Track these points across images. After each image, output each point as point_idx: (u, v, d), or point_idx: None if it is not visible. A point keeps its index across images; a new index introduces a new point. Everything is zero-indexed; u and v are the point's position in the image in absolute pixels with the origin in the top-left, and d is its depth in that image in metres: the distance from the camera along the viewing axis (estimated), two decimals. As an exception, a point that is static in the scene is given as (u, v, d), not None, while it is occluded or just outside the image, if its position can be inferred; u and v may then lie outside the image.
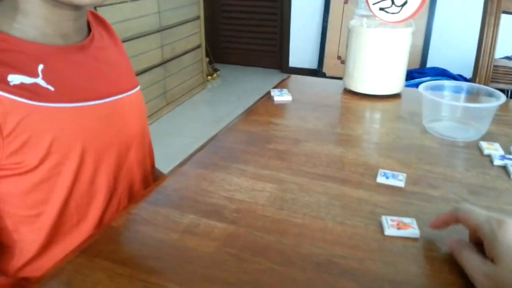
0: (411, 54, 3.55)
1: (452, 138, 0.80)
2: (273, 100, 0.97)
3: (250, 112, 0.91)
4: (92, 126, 0.62)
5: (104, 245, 0.50)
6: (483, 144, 0.76)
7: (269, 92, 1.01)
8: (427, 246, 0.51)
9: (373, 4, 0.95)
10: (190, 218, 0.54)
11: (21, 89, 0.54)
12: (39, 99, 0.56)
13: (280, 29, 4.05)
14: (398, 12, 0.95)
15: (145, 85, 2.74)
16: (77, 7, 0.60)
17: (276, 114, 0.90)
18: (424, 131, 0.83)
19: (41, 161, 0.57)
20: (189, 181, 0.64)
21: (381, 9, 0.95)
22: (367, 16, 0.98)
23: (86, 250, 0.49)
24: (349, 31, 1.01)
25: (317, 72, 3.86)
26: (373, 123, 0.91)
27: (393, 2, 0.94)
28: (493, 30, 1.27)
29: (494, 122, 0.86)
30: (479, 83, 1.30)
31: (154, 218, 0.54)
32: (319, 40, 3.84)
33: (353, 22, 1.00)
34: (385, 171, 0.65)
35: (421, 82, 3.42)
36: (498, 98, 0.78)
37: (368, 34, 0.97)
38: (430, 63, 3.65)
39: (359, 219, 0.55)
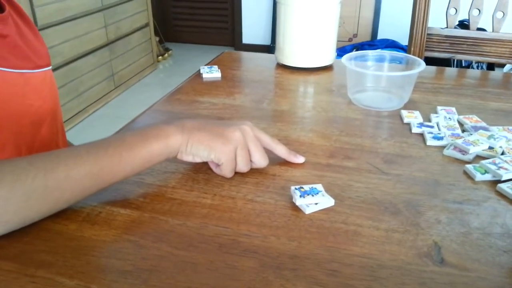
0: (361, 27, 3.58)
1: (376, 109, 0.80)
2: (201, 77, 0.95)
3: (175, 91, 0.88)
4: (7, 93, 0.61)
5: (-6, 241, 0.47)
6: (404, 113, 0.77)
7: (199, 70, 0.98)
8: (333, 218, 0.50)
9: (297, -26, 0.93)
10: (92, 207, 0.52)
11: None
12: None
13: (231, 5, 3.97)
14: (323, -18, 0.93)
15: (90, 68, 2.64)
16: None
17: (203, 92, 0.87)
18: (350, 103, 0.83)
19: None
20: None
21: (306, -21, 0.93)
22: (294, -12, 0.96)
23: (-27, 248, 0.46)
24: (276, 2, 0.99)
25: (270, 47, 3.84)
26: (300, 97, 0.90)
27: (317, -28, 0.93)
28: (425, -1, 1.27)
29: (417, 90, 0.88)
30: (413, 51, 1.31)
31: (53, 208, 0.51)
32: (271, 14, 3.80)
33: (280, -6, 0.98)
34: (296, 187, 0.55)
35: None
36: (418, 65, 0.79)
37: (294, 4, 0.95)
38: (380, 35, 3.68)
39: (269, 195, 0.54)
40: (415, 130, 0.71)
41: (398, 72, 0.82)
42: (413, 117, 0.75)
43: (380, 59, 0.88)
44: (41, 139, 0.67)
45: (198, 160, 0.55)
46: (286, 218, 0.50)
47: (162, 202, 0.53)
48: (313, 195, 0.52)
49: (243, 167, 0.57)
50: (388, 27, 3.62)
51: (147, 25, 3.29)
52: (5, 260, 0.44)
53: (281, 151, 0.61)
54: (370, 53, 0.87)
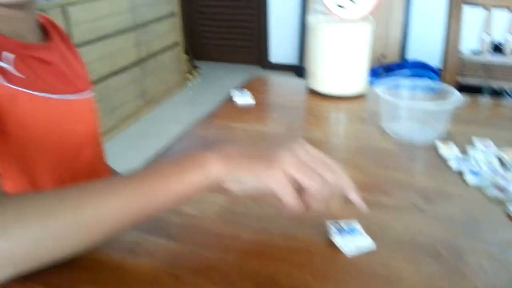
0: (389, 47, 3.53)
1: (410, 139, 0.79)
2: (234, 102, 0.96)
3: (210, 116, 0.90)
4: (49, 118, 0.63)
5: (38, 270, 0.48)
6: (439, 145, 0.76)
7: (231, 94, 1.00)
8: (373, 260, 0.50)
9: (330, 0, 0.94)
10: (134, 236, 0.53)
11: None
12: (9, 81, 0.57)
13: (258, 24, 4.02)
14: (355, 8, 0.94)
15: (122, 85, 2.70)
16: (18, 6, 0.60)
17: (235, 118, 0.89)
18: (383, 132, 0.82)
19: None
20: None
21: (338, 5, 0.94)
22: (325, 13, 0.97)
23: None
24: (307, 28, 1.00)
25: (298, 67, 3.85)
26: (333, 125, 0.90)
27: None
28: (457, 23, 1.26)
29: (451, 120, 0.86)
30: (446, 78, 1.30)
31: (95, 237, 0.53)
32: (299, 34, 3.83)
33: (311, 19, 0.99)
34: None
35: (400, 76, 3.42)
36: (453, 96, 0.78)
37: (325, 31, 0.96)
38: (409, 55, 3.65)
39: (307, 231, 0.54)
40: (452, 164, 0.70)
41: (432, 104, 0.81)
42: (449, 150, 0.74)
43: (415, 88, 0.87)
44: (83, 163, 0.70)
45: (249, 189, 0.47)
46: (325, 258, 0.50)
47: (201, 234, 0.54)
48: (351, 234, 0.52)
49: (314, 187, 0.46)
50: (418, 47, 3.58)
51: (177, 43, 3.36)
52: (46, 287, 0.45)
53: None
54: (405, 82, 0.86)
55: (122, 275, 0.47)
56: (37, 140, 0.61)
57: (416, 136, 0.80)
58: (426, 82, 0.86)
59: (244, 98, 0.97)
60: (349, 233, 0.52)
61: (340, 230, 0.52)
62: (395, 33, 3.60)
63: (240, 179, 0.47)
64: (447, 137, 0.80)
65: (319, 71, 1.00)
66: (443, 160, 0.72)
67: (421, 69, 3.25)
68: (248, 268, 0.48)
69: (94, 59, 2.43)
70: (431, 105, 0.81)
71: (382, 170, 0.69)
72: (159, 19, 3.07)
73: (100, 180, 0.47)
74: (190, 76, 3.71)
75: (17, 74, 0.58)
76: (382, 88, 0.82)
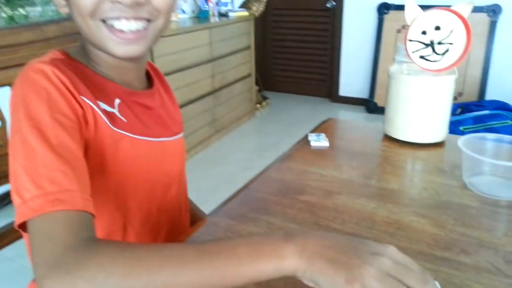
0: (467, 85, 3.43)
1: (493, 196, 0.77)
2: (310, 145, 0.98)
3: (286, 158, 0.93)
4: (146, 159, 0.69)
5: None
6: (527, 205, 0.72)
7: (306, 136, 1.02)
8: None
9: (413, 52, 0.94)
10: None
11: (104, 113, 0.62)
12: (116, 125, 0.63)
13: (330, 58, 4.05)
14: (439, 60, 0.93)
15: (194, 114, 2.84)
16: (130, 59, 0.66)
17: (311, 162, 0.91)
18: (465, 187, 0.80)
19: (97, 174, 0.62)
20: (217, 233, 0.66)
21: (421, 57, 0.94)
22: (408, 62, 0.97)
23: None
24: (389, 77, 1.00)
25: (368, 102, 3.82)
26: (411, 175, 0.89)
27: (433, 50, 0.93)
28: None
29: (542, 179, 0.82)
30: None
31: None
32: (370, 69, 3.80)
33: (393, 68, 1.00)
34: None
35: (479, 116, 3.27)
36: (544, 155, 0.74)
37: (408, 82, 0.96)
38: (489, 96, 3.48)
39: (383, 287, 0.54)
40: (540, 227, 0.67)
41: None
42: (537, 212, 0.71)
43: (500, 141, 0.85)
44: (169, 199, 0.75)
45: None
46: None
47: (276, 279, 0.55)
48: None
49: None
50: (498, 87, 3.41)
51: (249, 75, 3.48)
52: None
53: None
54: (488, 135, 0.84)
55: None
56: (133, 179, 0.66)
57: (500, 192, 0.77)
58: (510, 137, 0.83)
59: (319, 142, 0.99)
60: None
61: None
62: (475, 71, 3.46)
63: (315, 279, 0.43)
64: (535, 197, 0.76)
65: (398, 118, 1.00)
66: (530, 222, 0.69)
67: (500, 109, 3.08)
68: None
69: (173, 89, 2.58)
70: (517, 162, 0.78)
71: (463, 228, 0.67)
72: (234, 52, 3.21)
73: (178, 245, 0.47)
74: (259, 106, 3.80)
75: (122, 118, 0.64)
76: (463, 141, 0.81)
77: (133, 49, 0.61)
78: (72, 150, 0.53)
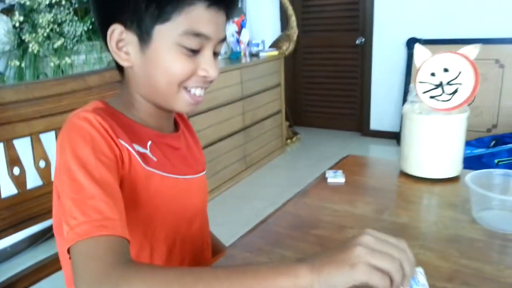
0: (502, 117, 3.40)
1: (502, 230, 0.79)
2: (326, 181, 1.04)
3: (303, 194, 0.99)
4: (173, 194, 0.77)
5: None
6: (534, 239, 0.75)
7: (324, 173, 1.08)
8: None
9: (423, 92, 1.00)
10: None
11: (138, 153, 0.71)
12: (147, 164, 0.73)
13: (360, 93, 4.11)
14: (449, 99, 0.98)
15: (226, 150, 2.94)
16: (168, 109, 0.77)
17: (327, 197, 0.96)
18: (474, 221, 0.83)
19: (130, 206, 0.69)
20: (234, 264, 0.72)
21: (431, 97, 0.99)
22: (419, 102, 1.03)
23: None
24: (402, 115, 1.05)
25: (398, 135, 3.81)
26: (422, 210, 0.92)
27: (443, 91, 0.98)
28: None
29: (553, 213, 0.84)
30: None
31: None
32: (400, 102, 3.82)
33: (406, 108, 1.05)
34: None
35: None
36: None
37: (420, 120, 1.01)
38: (525, 127, 3.42)
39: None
40: (544, 261, 0.69)
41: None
42: (543, 246, 0.73)
43: (508, 175, 0.87)
44: (193, 231, 0.82)
45: None
46: None
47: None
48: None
49: (391, 267, 0.51)
50: (534, 118, 3.34)
51: (279, 111, 3.58)
52: None
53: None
54: (496, 171, 0.87)
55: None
56: (161, 212, 0.75)
57: (509, 226, 0.79)
58: (520, 172, 0.86)
59: (336, 179, 1.04)
60: None
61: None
62: (509, 102, 3.42)
63: (332, 283, 0.51)
64: (544, 231, 0.78)
65: (412, 155, 1.04)
66: (536, 256, 0.71)
67: (536, 142, 3.01)
68: None
69: (205, 127, 2.71)
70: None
71: (468, 261, 0.70)
72: (265, 90, 3.32)
73: (207, 268, 0.57)
74: (289, 142, 3.87)
75: (152, 157, 0.74)
76: (471, 177, 0.84)
77: (197, 108, 0.74)
78: (112, 185, 0.62)
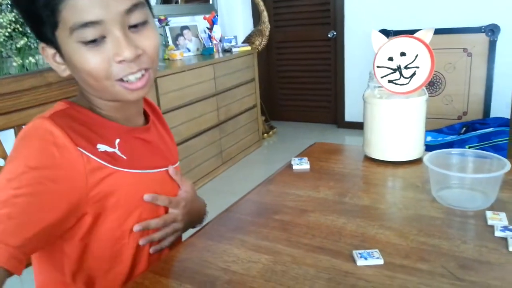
0: (472, 104, 3.49)
1: (460, 208, 0.81)
2: (291, 168, 1.04)
3: (268, 182, 0.99)
4: (148, 190, 0.76)
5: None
6: (488, 214, 0.76)
7: (290, 161, 1.08)
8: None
9: (381, 77, 1.01)
10: (186, 289, 0.62)
11: (105, 155, 0.70)
12: (117, 164, 0.71)
13: (334, 85, 4.14)
14: (407, 83, 0.99)
15: (201, 146, 2.92)
16: (138, 101, 0.76)
17: (291, 184, 0.96)
18: (434, 201, 0.84)
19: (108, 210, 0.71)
20: (194, 252, 0.71)
21: (390, 81, 1.01)
22: (379, 87, 1.04)
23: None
24: (363, 101, 1.07)
25: (372, 126, 3.86)
26: (384, 192, 0.93)
27: (401, 75, 1.00)
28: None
29: (509, 187, 0.86)
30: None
31: (155, 287, 0.62)
32: (373, 94, 3.87)
33: (366, 93, 1.06)
34: (360, 251, 0.67)
35: (483, 134, 3.28)
36: (503, 164, 0.79)
37: (380, 105, 1.02)
38: (494, 112, 3.50)
39: (339, 293, 0.59)
40: (498, 233, 0.71)
41: (481, 174, 0.82)
42: (497, 219, 0.74)
43: (465, 155, 0.89)
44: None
45: None
46: (352, 317, 0.54)
47: (243, 290, 0.61)
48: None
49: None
50: (501, 105, 3.42)
51: (254, 106, 3.58)
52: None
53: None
54: (454, 150, 0.89)
55: (173, 322, 0.55)
56: (138, 209, 0.74)
57: (467, 205, 0.81)
58: (476, 152, 0.87)
59: (301, 165, 1.05)
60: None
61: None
62: (478, 90, 3.49)
63: None
64: (500, 206, 0.80)
65: (374, 139, 1.05)
66: (490, 229, 0.73)
67: (505, 126, 3.08)
68: (280, 324, 0.54)
69: (179, 123, 2.69)
70: (478, 176, 0.82)
71: (426, 238, 0.71)
72: (239, 85, 3.32)
73: None
74: (266, 136, 3.88)
75: (122, 156, 0.72)
76: (430, 158, 0.86)
77: (141, 93, 0.71)
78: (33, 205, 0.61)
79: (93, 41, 0.64)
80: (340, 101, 4.13)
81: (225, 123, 3.18)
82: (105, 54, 0.65)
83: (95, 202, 0.68)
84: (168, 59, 3.11)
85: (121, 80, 0.68)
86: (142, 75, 0.69)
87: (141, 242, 0.75)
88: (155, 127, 0.85)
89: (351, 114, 4.10)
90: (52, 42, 0.66)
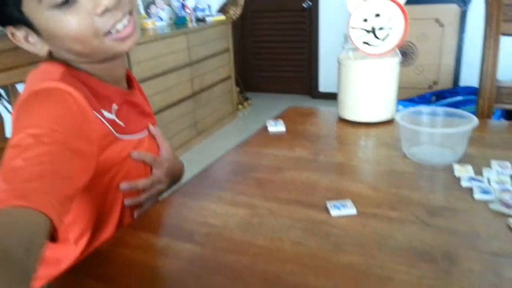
0: (442, 74, 3.55)
1: (429, 163, 0.84)
2: (267, 131, 1.05)
3: (243, 144, 0.99)
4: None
5: (90, 265, 0.59)
6: (456, 167, 0.80)
7: (265, 124, 1.09)
8: (370, 262, 0.55)
9: (356, 38, 1.02)
10: (165, 241, 0.62)
11: (109, 121, 0.69)
12: (118, 131, 0.71)
13: (309, 56, 4.14)
14: (381, 44, 1.01)
15: (176, 117, 2.90)
16: (118, 56, 0.71)
17: (267, 145, 0.97)
18: (405, 157, 0.87)
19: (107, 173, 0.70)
20: (171, 209, 0.72)
21: (364, 42, 1.02)
22: (354, 49, 1.05)
23: (73, 270, 0.58)
24: (338, 63, 1.08)
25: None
26: (357, 150, 0.96)
27: (375, 36, 1.01)
28: (493, 52, 1.28)
29: (475, 144, 0.90)
30: (483, 104, 1.31)
31: (134, 241, 0.63)
32: (347, 65, 3.89)
33: (341, 55, 1.07)
34: (333, 202, 0.69)
35: (452, 102, 3.37)
36: (471, 121, 0.82)
37: (355, 66, 1.03)
38: (463, 82, 3.59)
39: (315, 240, 0.61)
40: (464, 184, 0.74)
41: (451, 127, 0.85)
42: (464, 171, 0.78)
43: (435, 114, 0.92)
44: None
45: None
46: (327, 261, 0.56)
47: (222, 241, 0.62)
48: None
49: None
50: (470, 75, 3.51)
51: (229, 77, 3.55)
52: (97, 281, 0.55)
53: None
54: (424, 109, 0.91)
55: (153, 272, 0.56)
56: (126, 170, 0.74)
57: (436, 159, 0.84)
58: (445, 109, 0.90)
59: (276, 127, 1.06)
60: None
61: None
62: (448, 60, 3.56)
63: None
64: (467, 160, 0.83)
65: (348, 101, 1.07)
66: (457, 181, 0.76)
67: (473, 95, 3.17)
68: (258, 268, 0.56)
69: (152, 94, 2.65)
70: (446, 130, 0.85)
71: (396, 190, 0.74)
72: (213, 56, 3.28)
73: None
74: (241, 107, 3.87)
75: (120, 123, 0.72)
76: (401, 115, 0.88)
77: (133, 39, 0.68)
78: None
79: (66, 2, 0.60)
80: (314, 72, 4.14)
81: (199, 94, 3.15)
82: (84, 10, 0.61)
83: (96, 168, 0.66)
84: (140, 28, 3.03)
85: (109, 33, 0.65)
86: (128, 22, 0.66)
87: (126, 202, 0.75)
88: (138, 90, 0.84)
89: (325, 84, 4.13)
90: (20, 21, 0.62)
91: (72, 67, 0.69)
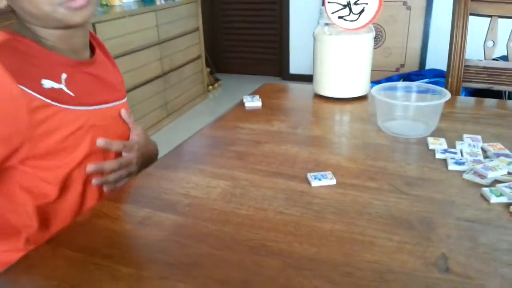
0: (409, 57, 3.62)
1: (404, 136, 0.86)
2: (244, 106, 1.04)
3: (219, 118, 0.99)
4: (99, 125, 0.74)
5: (67, 236, 0.57)
6: (430, 140, 0.82)
7: (242, 100, 1.08)
8: (351, 230, 0.57)
9: (332, 13, 1.02)
10: (146, 212, 0.61)
11: (51, 92, 0.66)
12: (64, 102, 0.68)
13: (279, 38, 4.13)
14: (356, 19, 1.01)
15: (145, 97, 2.84)
16: (78, 25, 0.70)
17: (244, 119, 0.97)
18: (380, 130, 0.89)
19: (59, 150, 0.68)
20: (151, 181, 0.71)
21: (340, 17, 1.02)
22: (329, 24, 1.05)
23: (51, 241, 0.56)
24: (314, 39, 1.08)
25: (316, 78, 3.92)
26: (333, 124, 0.97)
27: (351, 11, 1.01)
28: (462, 32, 1.32)
29: (447, 119, 0.92)
30: (451, 83, 1.35)
31: (114, 213, 0.62)
32: (317, 46, 3.91)
33: (316, 30, 1.07)
34: (313, 173, 0.70)
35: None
36: (444, 95, 0.84)
37: (330, 41, 1.04)
38: (429, 65, 3.68)
39: (297, 209, 0.62)
40: (438, 155, 0.76)
41: (424, 102, 0.87)
42: (438, 144, 0.80)
43: (409, 90, 0.94)
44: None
45: None
46: (310, 228, 0.57)
47: (204, 211, 0.62)
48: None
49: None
50: (436, 58, 3.61)
51: (199, 57, 3.50)
52: (76, 252, 0.54)
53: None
54: (399, 84, 0.93)
55: (135, 241, 0.56)
56: (93, 147, 0.72)
57: (409, 133, 0.86)
58: (419, 84, 0.92)
59: (253, 102, 1.05)
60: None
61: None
62: (415, 44, 3.64)
63: None
64: (439, 134, 0.85)
65: (324, 77, 1.08)
66: (431, 153, 0.78)
67: (439, 77, 3.27)
68: (241, 236, 0.56)
69: (121, 72, 2.57)
70: (421, 103, 0.88)
71: (373, 161, 0.76)
72: (182, 35, 3.21)
73: None
74: (211, 88, 3.83)
75: (69, 92, 0.69)
76: (376, 90, 0.89)
77: (87, 12, 0.67)
78: None
79: None
80: (284, 54, 4.13)
81: (169, 73, 3.09)
82: None
83: (38, 142, 0.65)
84: (107, 4, 2.92)
85: (63, 2, 0.64)
86: None
87: (94, 182, 0.74)
88: (102, 60, 0.81)
89: (295, 66, 4.14)
90: None
91: (19, 35, 0.68)
